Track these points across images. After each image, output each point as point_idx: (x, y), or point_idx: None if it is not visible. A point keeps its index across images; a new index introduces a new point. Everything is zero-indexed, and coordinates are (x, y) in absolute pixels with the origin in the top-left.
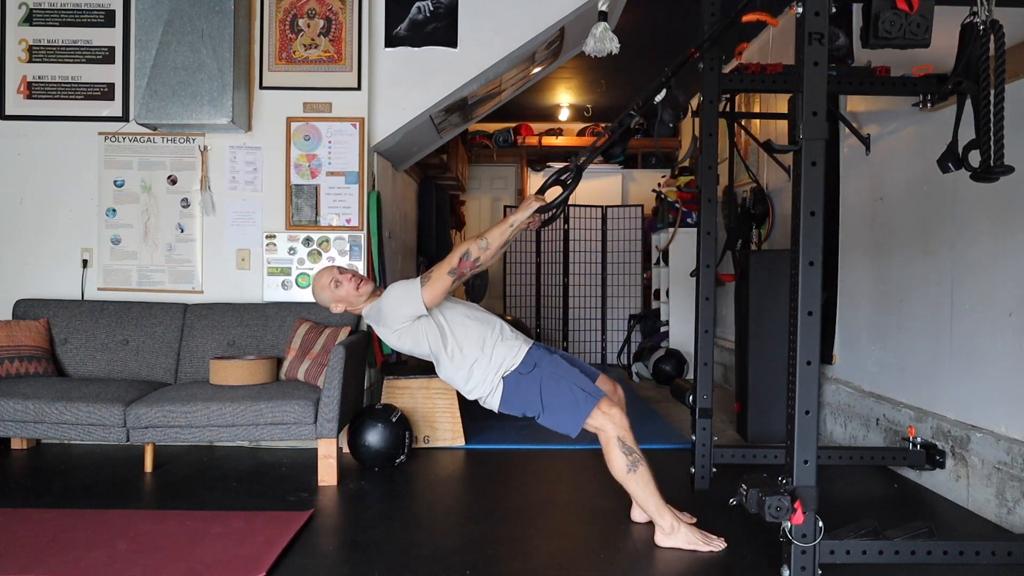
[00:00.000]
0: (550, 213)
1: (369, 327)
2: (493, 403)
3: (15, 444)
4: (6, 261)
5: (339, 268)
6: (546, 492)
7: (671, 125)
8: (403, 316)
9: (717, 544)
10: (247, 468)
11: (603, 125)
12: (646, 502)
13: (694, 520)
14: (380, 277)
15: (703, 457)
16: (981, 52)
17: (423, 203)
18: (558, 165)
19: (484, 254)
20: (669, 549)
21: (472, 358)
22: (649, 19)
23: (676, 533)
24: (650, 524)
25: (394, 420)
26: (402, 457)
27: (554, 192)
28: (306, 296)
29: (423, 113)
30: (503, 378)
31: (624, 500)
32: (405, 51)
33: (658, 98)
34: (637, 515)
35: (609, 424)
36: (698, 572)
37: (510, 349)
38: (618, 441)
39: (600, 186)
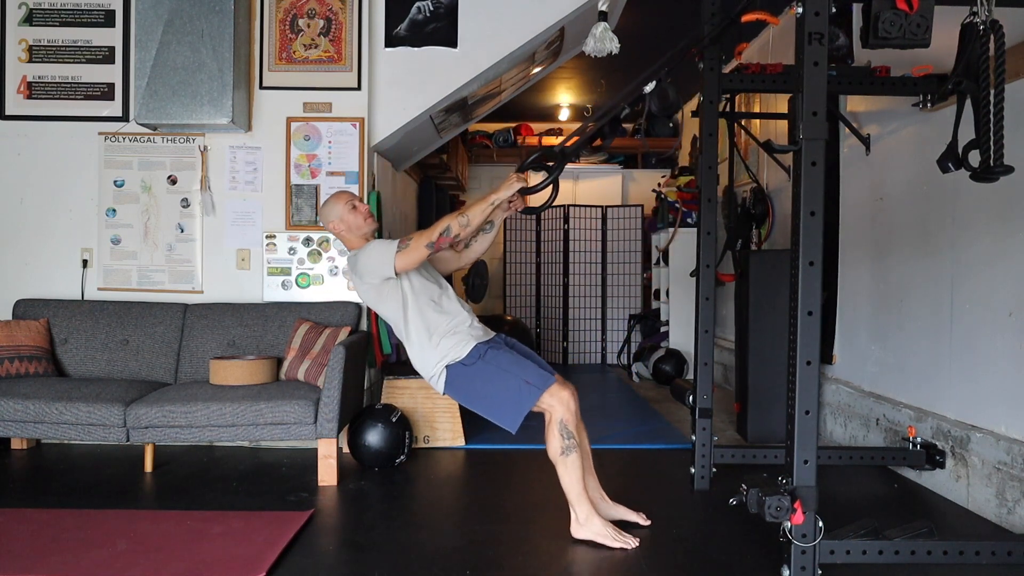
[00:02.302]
0: (543, 201)
1: (368, 327)
2: (438, 387)
3: (15, 444)
4: (6, 261)
5: (359, 198)
6: (546, 492)
7: (670, 125)
8: (374, 274)
9: (628, 542)
10: (247, 468)
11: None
12: (569, 488)
13: (648, 523)
14: None
15: (703, 457)
16: (981, 52)
17: (423, 203)
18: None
19: (464, 231)
20: (666, 548)
21: (421, 341)
22: (649, 19)
23: (589, 524)
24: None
25: (394, 420)
26: (402, 457)
27: (539, 178)
28: (306, 296)
29: (423, 113)
30: (447, 367)
31: (622, 500)
32: (405, 51)
33: (647, 88)
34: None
35: (558, 405)
36: (697, 571)
37: (456, 343)
38: (560, 424)
39: (600, 186)
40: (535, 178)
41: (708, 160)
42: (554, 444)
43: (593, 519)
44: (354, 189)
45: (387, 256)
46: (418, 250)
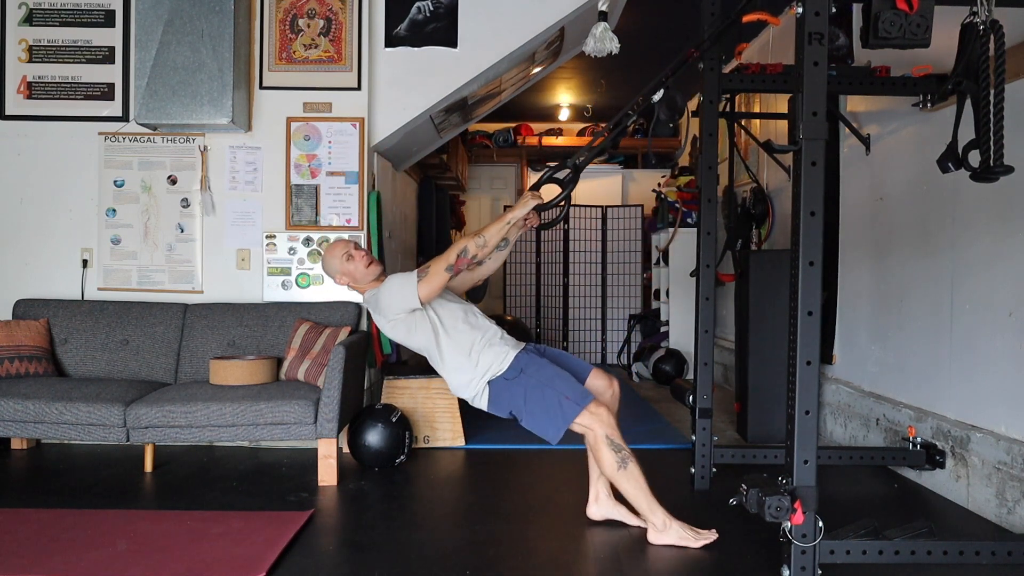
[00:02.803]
0: (552, 215)
1: (368, 327)
2: (481, 404)
3: (15, 444)
4: (6, 261)
5: (355, 244)
6: (546, 492)
7: (670, 125)
8: (398, 308)
9: (708, 536)
10: (247, 468)
11: (602, 125)
12: (637, 499)
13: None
14: None
15: (703, 457)
16: (981, 52)
17: (423, 203)
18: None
19: (481, 251)
20: (667, 548)
21: (458, 361)
22: (649, 19)
23: (668, 530)
24: (606, 523)
25: (394, 420)
26: (402, 457)
27: (551, 191)
28: (306, 296)
29: (423, 113)
30: (489, 383)
31: (623, 500)
32: (405, 51)
33: (655, 97)
34: (592, 512)
35: (596, 423)
36: (698, 571)
37: (496, 356)
38: (606, 439)
39: (600, 186)
40: (549, 194)
41: (708, 160)
42: (607, 461)
43: (671, 524)
44: (354, 189)
45: (408, 288)
46: (439, 275)
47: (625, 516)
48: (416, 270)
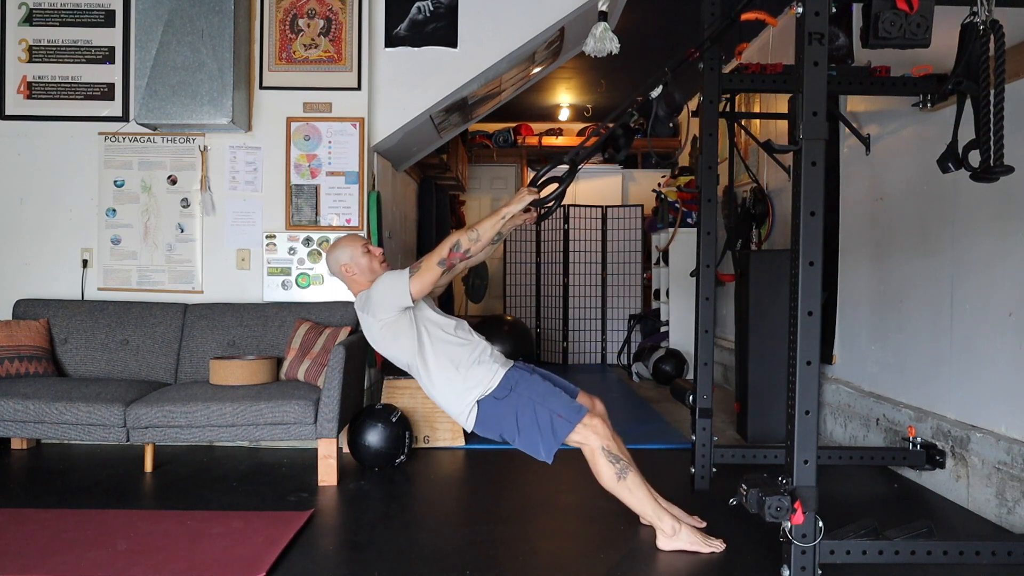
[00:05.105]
0: (546, 208)
1: None
2: (468, 424)
3: (15, 444)
4: (6, 261)
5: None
6: (546, 492)
7: (670, 124)
8: (389, 306)
9: (717, 545)
10: (247, 468)
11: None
12: (642, 508)
13: (703, 524)
14: None
15: (703, 457)
16: (981, 52)
17: (423, 203)
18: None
19: (474, 246)
20: (669, 550)
21: (446, 375)
22: (649, 19)
23: (677, 535)
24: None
25: (394, 420)
26: (402, 457)
27: (550, 187)
28: (306, 296)
29: (423, 113)
30: (478, 402)
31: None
32: (405, 51)
33: (654, 93)
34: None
35: (592, 436)
36: (698, 572)
37: (486, 373)
38: (603, 451)
39: (600, 186)
40: (546, 189)
41: (708, 160)
42: (606, 473)
43: (680, 529)
44: (354, 189)
45: (401, 283)
46: (431, 270)
47: (682, 516)
48: (409, 267)
